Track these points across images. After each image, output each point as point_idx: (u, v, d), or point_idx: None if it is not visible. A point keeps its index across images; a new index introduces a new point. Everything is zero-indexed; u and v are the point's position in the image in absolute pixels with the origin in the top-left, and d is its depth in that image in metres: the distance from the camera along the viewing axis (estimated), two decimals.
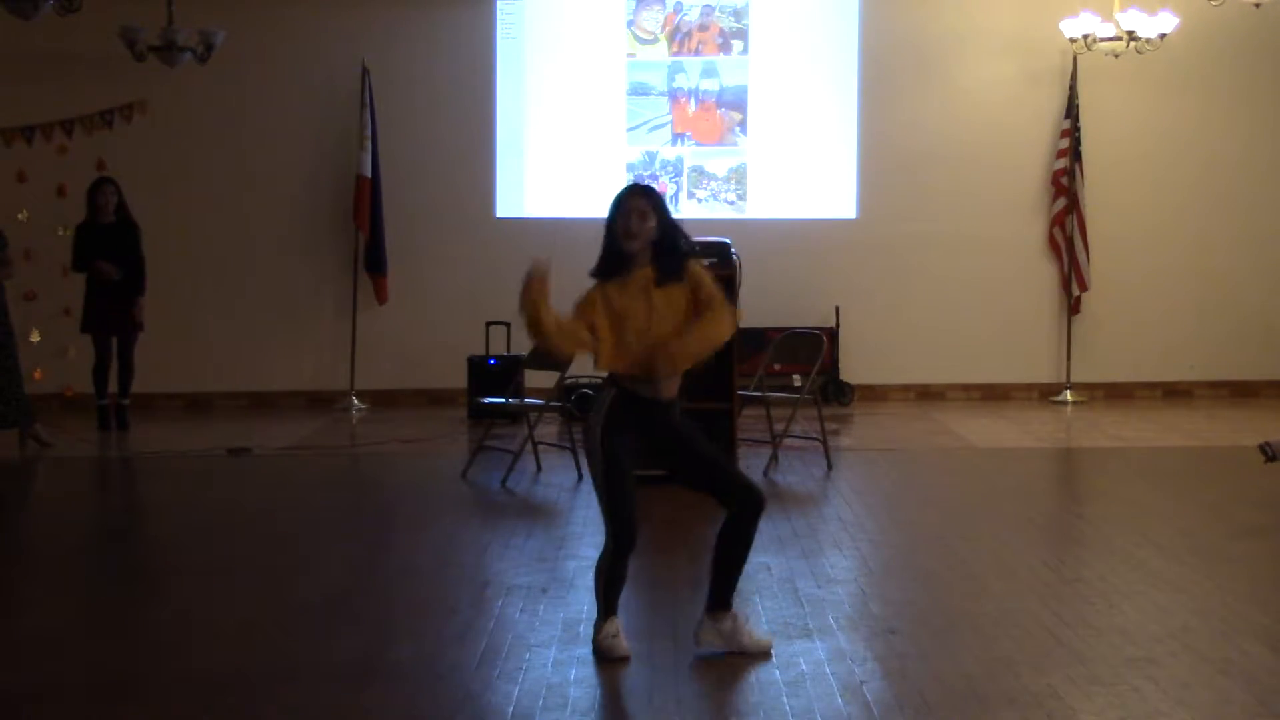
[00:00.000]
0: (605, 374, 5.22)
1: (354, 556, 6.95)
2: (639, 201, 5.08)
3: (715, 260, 8.03)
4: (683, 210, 12.10)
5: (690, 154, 12.62)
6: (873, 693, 4.72)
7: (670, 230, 5.10)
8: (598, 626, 5.18)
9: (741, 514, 5.16)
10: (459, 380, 11.79)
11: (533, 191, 12.64)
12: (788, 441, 9.35)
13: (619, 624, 5.17)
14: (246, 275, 12.47)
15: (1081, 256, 12.51)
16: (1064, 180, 12.51)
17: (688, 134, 12.63)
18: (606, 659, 5.08)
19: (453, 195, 12.52)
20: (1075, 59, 12.30)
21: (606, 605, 5.18)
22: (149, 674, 5.03)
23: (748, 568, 6.25)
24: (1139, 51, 11.75)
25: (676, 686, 4.84)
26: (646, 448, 5.17)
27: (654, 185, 5.37)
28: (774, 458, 9.15)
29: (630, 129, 12.59)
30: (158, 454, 9.98)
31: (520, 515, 7.97)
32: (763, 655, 5.11)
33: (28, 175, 12.03)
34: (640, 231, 5.04)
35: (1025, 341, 12.75)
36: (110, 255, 10.74)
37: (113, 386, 10.92)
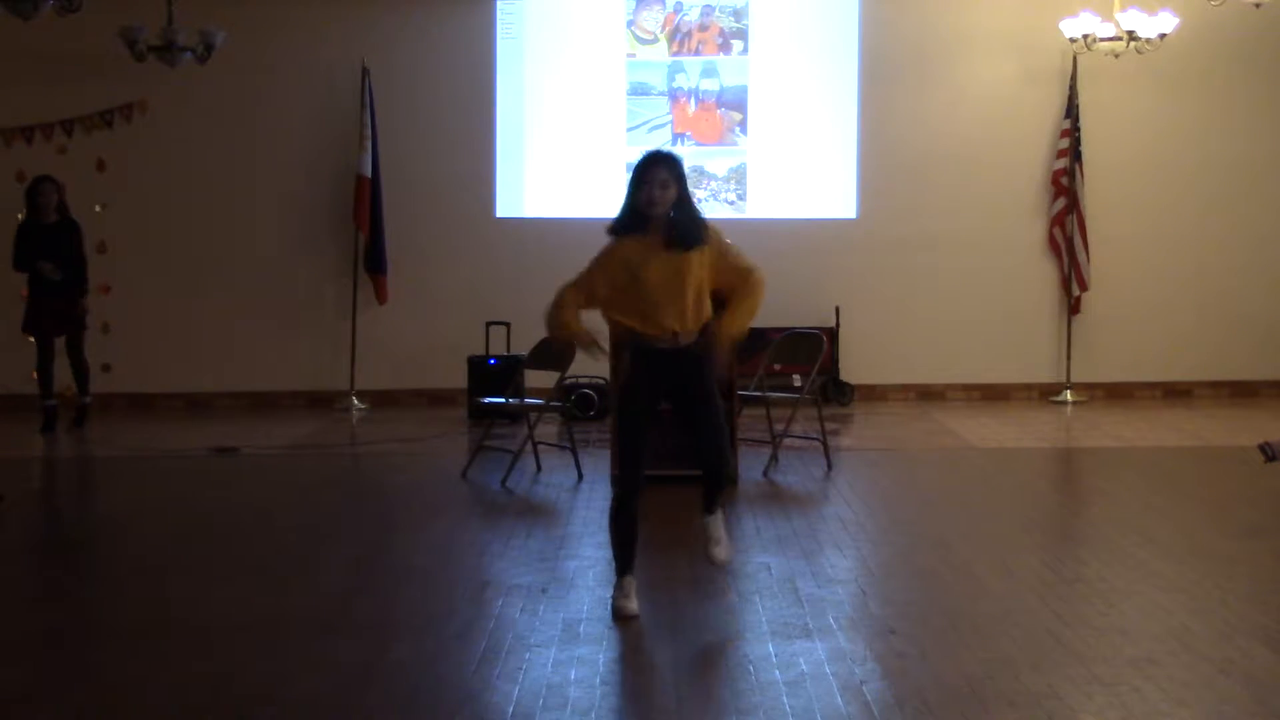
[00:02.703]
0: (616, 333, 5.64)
1: (354, 556, 6.95)
2: (660, 172, 5.38)
3: None
4: None
5: (690, 154, 12.59)
6: (873, 693, 4.72)
7: (688, 200, 5.44)
8: (615, 584, 5.61)
9: (704, 478, 5.68)
10: (459, 380, 11.79)
11: (533, 191, 12.64)
12: (788, 441, 9.35)
13: (632, 584, 5.59)
14: (246, 275, 12.47)
15: (1081, 256, 12.51)
16: (1064, 180, 12.51)
17: (688, 134, 12.63)
18: (616, 617, 5.50)
19: (453, 195, 12.51)
20: (1075, 59, 12.30)
21: (619, 563, 5.62)
22: (146, 675, 5.02)
23: (748, 568, 6.36)
24: (1139, 51, 11.75)
25: (676, 686, 4.84)
26: (667, 388, 5.53)
27: (675, 151, 5.70)
28: (774, 457, 9.15)
29: (630, 129, 12.58)
30: (157, 453, 9.98)
31: (520, 515, 7.96)
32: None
33: (28, 175, 12.01)
34: (661, 200, 5.36)
35: (1025, 341, 12.75)
36: (51, 254, 10.78)
37: (67, 385, 10.92)
